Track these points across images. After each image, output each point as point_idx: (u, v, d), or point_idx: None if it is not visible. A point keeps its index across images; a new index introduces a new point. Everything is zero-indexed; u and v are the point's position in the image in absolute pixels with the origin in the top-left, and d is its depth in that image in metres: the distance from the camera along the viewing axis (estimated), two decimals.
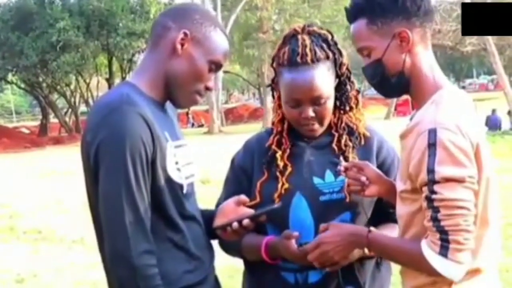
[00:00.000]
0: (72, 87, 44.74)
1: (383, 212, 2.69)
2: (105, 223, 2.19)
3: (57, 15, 34.28)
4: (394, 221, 2.61)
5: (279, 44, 2.67)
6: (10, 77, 42.34)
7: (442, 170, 2.07)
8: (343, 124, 2.70)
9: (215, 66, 2.40)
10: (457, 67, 72.42)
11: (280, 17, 40.99)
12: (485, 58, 38.11)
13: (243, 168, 2.75)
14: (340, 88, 2.67)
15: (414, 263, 2.21)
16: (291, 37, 2.64)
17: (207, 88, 2.42)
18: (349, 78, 2.69)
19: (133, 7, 37.65)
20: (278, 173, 2.64)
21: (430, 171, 2.08)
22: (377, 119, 34.59)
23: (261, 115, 44.56)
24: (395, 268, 2.50)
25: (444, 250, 2.09)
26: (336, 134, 2.69)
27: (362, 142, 2.72)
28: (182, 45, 2.34)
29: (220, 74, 38.59)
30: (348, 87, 2.69)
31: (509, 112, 28.93)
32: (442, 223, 2.08)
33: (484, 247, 2.20)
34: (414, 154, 2.15)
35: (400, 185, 2.29)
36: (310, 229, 2.58)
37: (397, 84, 2.31)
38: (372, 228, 2.39)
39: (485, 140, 2.22)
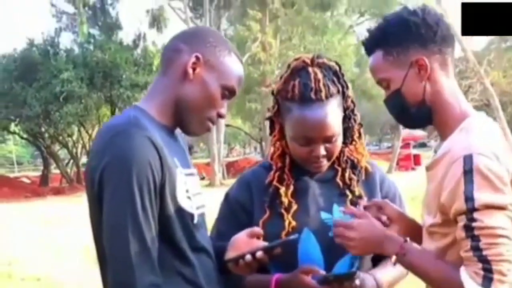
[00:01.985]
0: (74, 138, 44.69)
1: None
2: (109, 254, 2.05)
3: (61, 66, 34.35)
4: None
5: (285, 76, 2.55)
6: (12, 127, 42.39)
7: (482, 197, 1.95)
8: (345, 158, 2.61)
9: (228, 92, 2.29)
10: None
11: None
12: (488, 114, 38.14)
13: (240, 202, 2.63)
14: (345, 122, 2.57)
15: None
16: (300, 70, 2.52)
17: (220, 116, 2.31)
18: (353, 111, 2.60)
19: (136, 59, 37.74)
20: (283, 211, 2.52)
21: (469, 198, 1.97)
22: None
23: None
24: None
25: (487, 282, 1.96)
26: (339, 168, 2.60)
27: (364, 176, 2.64)
28: (194, 69, 2.24)
29: (223, 127, 38.68)
30: (353, 120, 2.60)
31: None
32: (485, 252, 1.96)
33: None
34: (447, 183, 2.03)
35: (428, 219, 2.17)
36: (320, 266, 2.46)
37: (418, 114, 2.22)
38: (408, 238, 2.25)
39: None
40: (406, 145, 41.11)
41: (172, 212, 2.15)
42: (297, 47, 38.92)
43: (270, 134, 2.69)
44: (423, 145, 64.02)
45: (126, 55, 36.09)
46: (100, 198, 2.07)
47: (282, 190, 2.57)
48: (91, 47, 37.61)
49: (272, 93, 2.63)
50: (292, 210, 2.53)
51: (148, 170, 2.05)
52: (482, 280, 1.97)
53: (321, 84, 2.46)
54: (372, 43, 2.29)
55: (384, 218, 2.41)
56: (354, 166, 2.63)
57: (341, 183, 2.59)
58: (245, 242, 2.38)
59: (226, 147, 74.31)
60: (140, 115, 2.18)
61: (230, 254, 2.38)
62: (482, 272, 1.97)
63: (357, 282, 2.38)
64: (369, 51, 2.30)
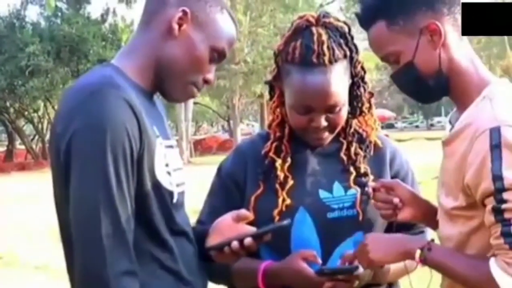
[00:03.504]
0: (40, 113, 44.25)
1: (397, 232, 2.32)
2: (76, 236, 1.76)
3: (27, 40, 33.98)
4: None
5: (287, 35, 2.28)
6: None
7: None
8: (352, 130, 2.36)
9: (217, 54, 2.01)
10: (426, 105, 73.39)
11: (253, 49, 40.87)
12: None
13: (233, 177, 2.37)
14: (353, 90, 2.31)
15: (480, 286, 1.82)
16: (303, 30, 2.25)
17: (206, 81, 2.02)
18: (362, 79, 2.33)
19: (104, 34, 37.43)
20: (277, 186, 2.27)
21: (497, 177, 1.72)
22: None
23: (230, 147, 44.12)
24: None
25: None
26: (345, 142, 2.35)
27: (373, 152, 2.39)
28: (180, 25, 1.94)
29: (190, 105, 38.53)
30: (362, 89, 2.34)
31: None
32: None
33: None
34: (471, 160, 1.77)
35: (448, 202, 1.92)
36: (316, 251, 2.20)
37: (436, 86, 1.95)
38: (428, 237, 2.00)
39: None
40: None
41: (149, 188, 1.87)
42: (267, 24, 38.86)
43: (270, 99, 2.43)
44: (390, 125, 64.39)
45: (93, 30, 35.80)
46: (67, 169, 1.78)
47: (278, 163, 2.31)
48: (58, 21, 37.31)
49: (274, 54, 2.35)
50: (287, 186, 2.28)
51: (125, 137, 1.77)
52: None
53: (324, 47, 2.20)
54: (371, 14, 2.00)
55: (396, 200, 2.15)
56: (361, 140, 2.37)
57: (345, 158, 2.34)
58: (230, 227, 2.09)
59: (194, 124, 74.32)
60: (114, 74, 1.89)
61: (213, 240, 2.09)
62: None
63: (357, 282, 2.17)
64: (368, 24, 2.01)
